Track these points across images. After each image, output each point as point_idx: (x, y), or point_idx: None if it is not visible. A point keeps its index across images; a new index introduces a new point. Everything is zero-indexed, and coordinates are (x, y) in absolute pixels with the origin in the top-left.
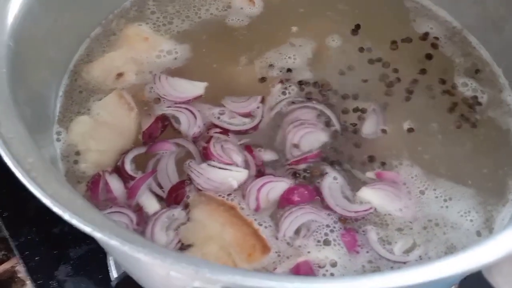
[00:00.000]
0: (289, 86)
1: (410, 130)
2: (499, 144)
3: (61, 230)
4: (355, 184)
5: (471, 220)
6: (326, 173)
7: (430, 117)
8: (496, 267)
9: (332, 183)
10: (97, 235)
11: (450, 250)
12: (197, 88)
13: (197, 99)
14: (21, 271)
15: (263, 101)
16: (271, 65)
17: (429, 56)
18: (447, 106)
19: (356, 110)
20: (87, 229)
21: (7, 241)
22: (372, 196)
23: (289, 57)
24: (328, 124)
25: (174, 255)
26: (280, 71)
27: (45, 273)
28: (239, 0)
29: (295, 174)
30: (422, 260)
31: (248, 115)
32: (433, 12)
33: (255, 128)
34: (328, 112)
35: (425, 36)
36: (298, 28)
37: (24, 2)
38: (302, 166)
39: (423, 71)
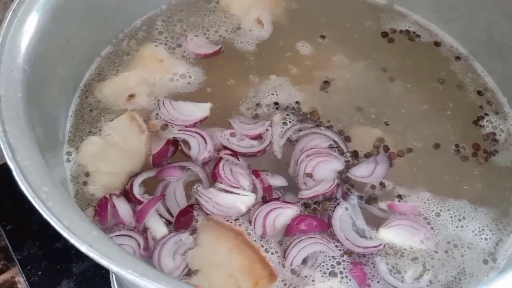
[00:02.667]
0: (287, 115)
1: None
2: (504, 173)
3: (64, 245)
4: (368, 216)
5: (486, 239)
6: (338, 204)
7: (433, 139)
8: None
9: (343, 215)
10: (114, 269)
11: (460, 275)
12: (202, 110)
13: (204, 121)
14: (21, 281)
15: (271, 125)
16: (272, 94)
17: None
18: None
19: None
20: (104, 262)
21: (7, 251)
22: (392, 236)
23: (288, 86)
24: (342, 152)
25: None
26: (277, 101)
27: None
28: (249, 22)
29: (305, 205)
30: (432, 284)
31: (256, 137)
32: (440, 38)
33: (263, 151)
34: (336, 138)
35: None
36: (302, 55)
37: (39, 24)
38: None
39: (432, 94)
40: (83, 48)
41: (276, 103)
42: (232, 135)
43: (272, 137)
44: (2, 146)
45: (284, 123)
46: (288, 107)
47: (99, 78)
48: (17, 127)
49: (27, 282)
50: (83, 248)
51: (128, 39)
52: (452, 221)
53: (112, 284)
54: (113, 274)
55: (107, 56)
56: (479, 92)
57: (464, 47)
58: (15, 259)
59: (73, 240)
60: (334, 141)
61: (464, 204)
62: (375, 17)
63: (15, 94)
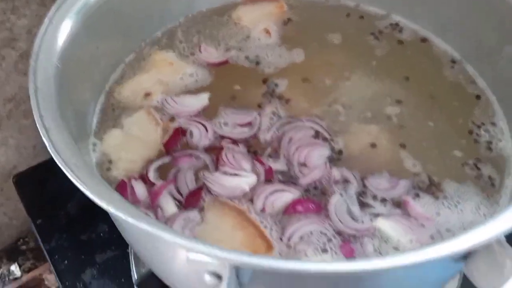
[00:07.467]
0: (275, 108)
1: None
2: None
3: (89, 237)
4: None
5: (484, 215)
6: (335, 191)
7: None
8: (474, 265)
9: (338, 200)
10: (130, 220)
11: None
12: (202, 100)
13: (205, 110)
14: (49, 279)
15: (259, 114)
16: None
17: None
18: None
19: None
20: (120, 215)
21: (35, 251)
22: (387, 227)
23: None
24: (325, 139)
25: (192, 239)
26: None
27: (72, 276)
28: (258, 31)
29: (305, 190)
30: None
31: (247, 125)
32: (435, 44)
33: (254, 136)
34: (317, 127)
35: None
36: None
37: (71, 31)
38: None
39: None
40: (110, 55)
41: (279, 94)
42: (225, 123)
43: (260, 124)
44: (38, 126)
45: (271, 118)
46: (280, 102)
47: (121, 82)
48: (51, 114)
49: (55, 271)
50: (103, 204)
51: (149, 46)
52: (452, 210)
53: (131, 272)
54: (133, 263)
55: (130, 62)
56: (472, 93)
57: (457, 52)
58: (44, 249)
59: (94, 198)
60: (317, 130)
61: (454, 186)
62: (374, 26)
63: (50, 88)
